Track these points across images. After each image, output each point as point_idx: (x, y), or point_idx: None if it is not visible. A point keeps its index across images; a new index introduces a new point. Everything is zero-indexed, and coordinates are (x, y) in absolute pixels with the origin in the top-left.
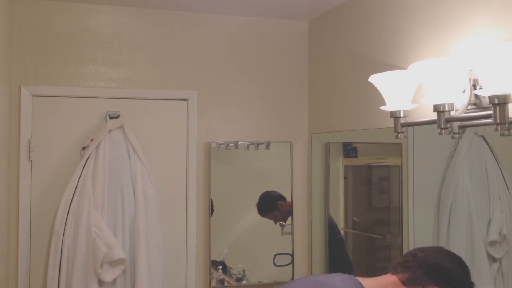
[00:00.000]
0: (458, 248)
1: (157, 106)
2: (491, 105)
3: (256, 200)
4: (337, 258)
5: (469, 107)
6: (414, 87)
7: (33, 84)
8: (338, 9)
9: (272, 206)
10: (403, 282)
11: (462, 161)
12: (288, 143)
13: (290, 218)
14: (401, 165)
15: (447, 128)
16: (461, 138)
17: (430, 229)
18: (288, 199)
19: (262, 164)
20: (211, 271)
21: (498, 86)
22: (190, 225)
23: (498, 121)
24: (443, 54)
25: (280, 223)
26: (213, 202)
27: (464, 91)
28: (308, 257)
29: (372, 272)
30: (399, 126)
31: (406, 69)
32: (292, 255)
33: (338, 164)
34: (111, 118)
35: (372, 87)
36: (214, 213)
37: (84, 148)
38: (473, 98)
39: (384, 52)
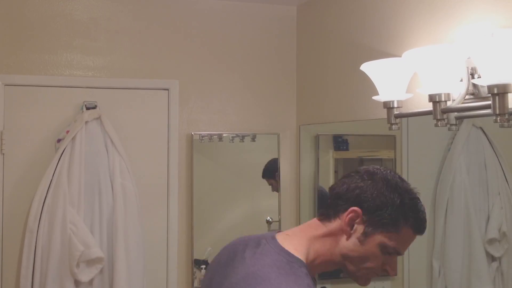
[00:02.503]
0: (455, 246)
1: (137, 96)
2: (490, 95)
3: (243, 197)
4: None
5: (467, 97)
6: (409, 76)
7: (5, 73)
8: None
9: (272, 172)
10: (320, 220)
11: (459, 154)
12: (275, 135)
13: (277, 214)
14: (395, 159)
15: (444, 119)
16: (458, 130)
17: None
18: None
19: (247, 157)
20: (194, 270)
21: (497, 74)
22: (172, 222)
23: (497, 111)
24: (439, 41)
25: (266, 220)
26: (196, 197)
27: (461, 80)
28: None
29: None
30: (392, 117)
31: (400, 57)
32: None
33: (328, 158)
34: (87, 108)
35: (364, 76)
36: (196, 209)
37: (59, 140)
38: (471, 88)
39: (376, 39)
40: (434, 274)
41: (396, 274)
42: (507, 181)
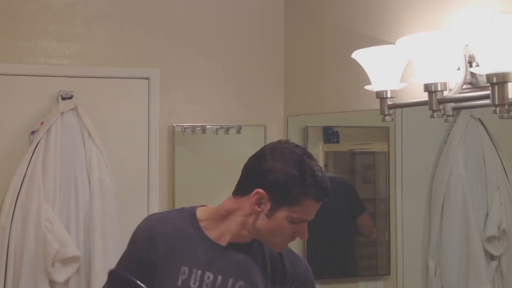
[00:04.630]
0: (452, 244)
1: (115, 86)
2: (488, 84)
3: (228, 192)
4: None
5: (464, 86)
6: (403, 64)
7: None
8: None
9: None
10: (233, 195)
11: (457, 147)
12: (261, 126)
13: None
14: (388, 152)
15: (440, 110)
16: (455, 121)
17: (420, 223)
18: None
19: (232, 150)
20: None
21: (496, 63)
22: None
23: (496, 102)
24: (435, 28)
25: None
26: (178, 193)
27: (458, 69)
28: None
29: (356, 272)
30: (386, 108)
31: (394, 44)
32: None
33: (318, 151)
34: (63, 98)
35: (356, 65)
36: (178, 205)
37: (33, 132)
38: (468, 77)
39: (369, 25)
40: (429, 274)
41: (307, 238)
42: (507, 175)
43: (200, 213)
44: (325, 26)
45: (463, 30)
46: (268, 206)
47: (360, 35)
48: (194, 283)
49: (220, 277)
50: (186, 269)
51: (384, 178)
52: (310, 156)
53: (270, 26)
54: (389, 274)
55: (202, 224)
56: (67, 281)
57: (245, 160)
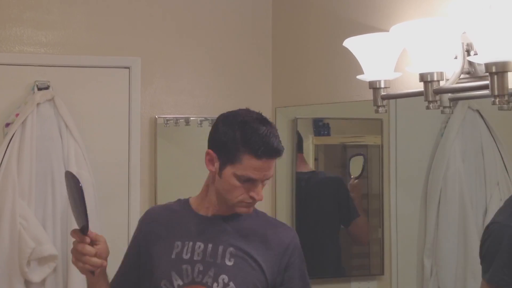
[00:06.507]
0: (448, 242)
1: (94, 75)
2: (487, 74)
3: None
4: None
5: (462, 76)
6: (397, 52)
7: None
8: None
9: None
10: None
11: (454, 140)
12: None
13: None
14: (382, 145)
15: (436, 101)
16: (452, 112)
17: (415, 220)
18: None
19: None
20: None
21: (496, 51)
22: (133, 215)
23: (495, 92)
24: (431, 14)
25: None
26: (160, 188)
27: (456, 58)
28: None
29: (347, 271)
30: (379, 99)
31: (388, 31)
32: None
33: (308, 144)
34: (39, 89)
35: (347, 53)
36: (161, 201)
37: (7, 124)
38: (466, 66)
39: (361, 11)
40: (425, 273)
41: (261, 199)
42: (506, 169)
43: (192, 199)
44: (315, 12)
45: (461, 16)
46: (217, 165)
47: (352, 22)
48: (186, 254)
49: (210, 245)
50: (179, 243)
51: (378, 172)
52: (261, 120)
53: (257, 14)
54: (382, 273)
55: (193, 206)
56: (43, 281)
57: None
